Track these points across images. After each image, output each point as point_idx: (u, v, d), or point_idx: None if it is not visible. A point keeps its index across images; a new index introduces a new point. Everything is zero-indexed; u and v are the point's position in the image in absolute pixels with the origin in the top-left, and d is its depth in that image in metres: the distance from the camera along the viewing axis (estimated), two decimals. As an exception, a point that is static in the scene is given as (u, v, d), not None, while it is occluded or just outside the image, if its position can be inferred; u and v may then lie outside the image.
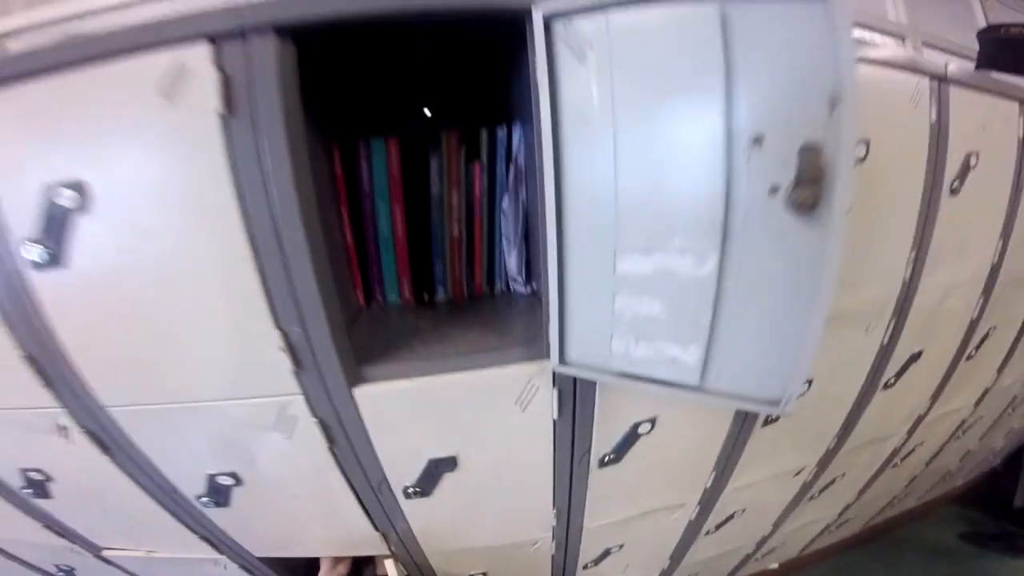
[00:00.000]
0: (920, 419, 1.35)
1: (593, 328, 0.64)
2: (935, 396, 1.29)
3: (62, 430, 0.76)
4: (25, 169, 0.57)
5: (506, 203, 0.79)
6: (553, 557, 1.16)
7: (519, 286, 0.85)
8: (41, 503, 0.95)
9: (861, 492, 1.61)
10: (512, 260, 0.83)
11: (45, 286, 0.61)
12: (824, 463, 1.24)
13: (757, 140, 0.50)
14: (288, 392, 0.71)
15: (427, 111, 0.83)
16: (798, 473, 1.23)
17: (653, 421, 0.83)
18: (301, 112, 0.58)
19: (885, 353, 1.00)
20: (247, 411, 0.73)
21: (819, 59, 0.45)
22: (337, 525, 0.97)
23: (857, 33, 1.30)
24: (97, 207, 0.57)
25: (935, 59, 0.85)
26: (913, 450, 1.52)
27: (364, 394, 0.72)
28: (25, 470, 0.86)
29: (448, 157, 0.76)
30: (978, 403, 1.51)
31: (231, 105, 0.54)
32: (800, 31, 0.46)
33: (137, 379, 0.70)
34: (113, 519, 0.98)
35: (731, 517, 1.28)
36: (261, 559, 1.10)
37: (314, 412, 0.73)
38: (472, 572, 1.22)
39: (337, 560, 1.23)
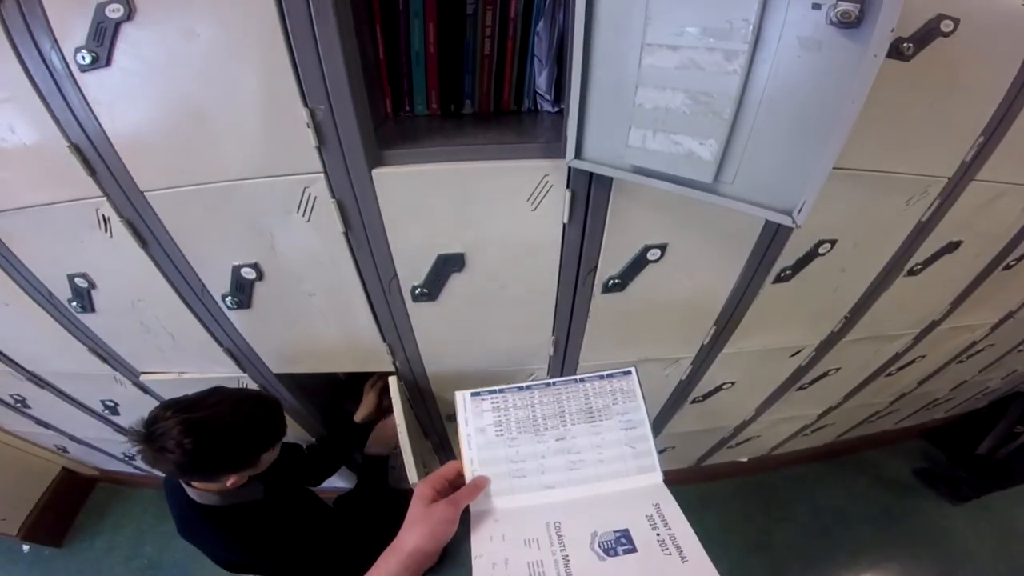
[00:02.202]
0: (932, 326, 1.32)
1: (612, 122, 0.62)
2: (956, 302, 1.25)
3: (104, 221, 0.82)
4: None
5: (541, 25, 0.75)
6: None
7: (547, 105, 0.83)
8: (87, 319, 1.04)
9: (848, 396, 1.65)
10: (542, 79, 0.80)
11: (91, 83, 0.64)
12: (824, 348, 1.26)
13: None
14: (311, 171, 0.73)
15: None
16: (795, 353, 1.26)
17: (663, 248, 0.84)
18: None
19: (920, 231, 0.94)
20: (272, 190, 0.76)
21: None
22: (348, 334, 1.04)
23: None
24: (139, 14, 0.58)
25: None
26: (912, 362, 1.53)
27: (382, 176, 0.73)
28: (72, 276, 0.93)
29: None
30: (995, 327, 1.48)
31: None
32: None
33: (173, 161, 0.73)
34: (150, 336, 1.08)
35: (719, 388, 1.34)
36: (278, 376, 1.21)
37: (333, 192, 0.76)
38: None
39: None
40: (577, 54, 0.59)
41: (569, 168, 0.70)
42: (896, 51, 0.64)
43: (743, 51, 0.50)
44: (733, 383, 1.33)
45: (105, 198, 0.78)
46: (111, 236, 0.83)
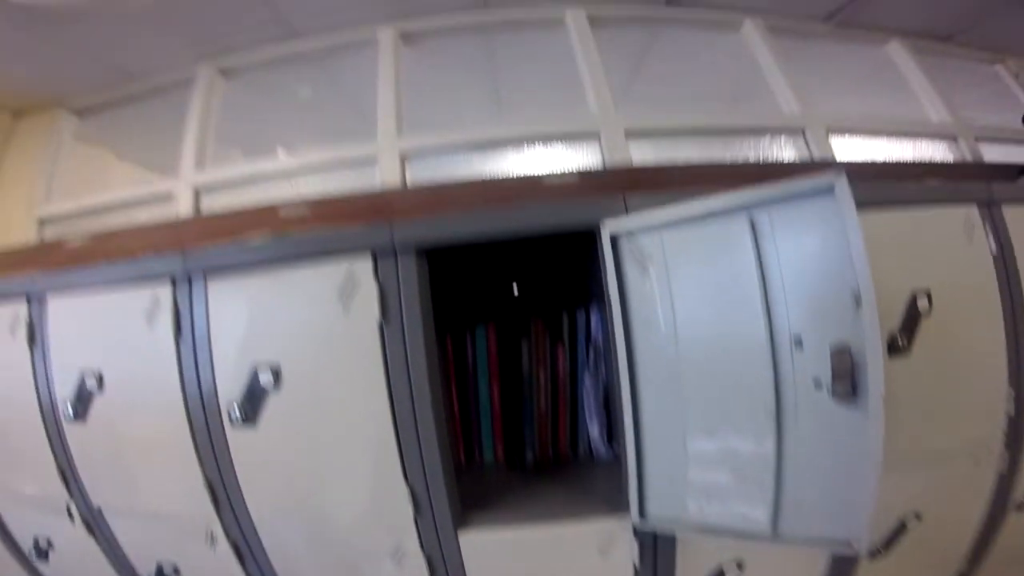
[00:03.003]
0: None
1: (669, 491, 0.73)
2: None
3: (211, 538, 0.93)
4: (241, 351, 0.79)
5: (587, 380, 0.92)
6: None
7: (601, 450, 0.95)
8: None
9: None
10: (594, 428, 0.94)
11: (237, 437, 0.82)
12: None
13: (798, 341, 0.61)
14: (406, 532, 0.84)
15: (518, 296, 1.01)
16: None
17: (740, 564, 0.86)
18: (432, 316, 0.77)
19: (1005, 480, 0.96)
20: (372, 541, 0.87)
21: (839, 256, 0.56)
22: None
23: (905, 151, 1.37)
24: (285, 386, 0.79)
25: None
26: None
27: (466, 537, 0.83)
28: (161, 564, 1.00)
29: (535, 341, 0.94)
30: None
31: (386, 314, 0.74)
32: (816, 228, 0.58)
33: (292, 508, 0.87)
34: None
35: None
36: None
37: (424, 549, 0.85)
38: None
39: None
40: (630, 445, 0.73)
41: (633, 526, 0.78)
42: (894, 349, 0.75)
43: (771, 432, 0.62)
44: None
45: (220, 523, 0.89)
46: (215, 550, 0.92)
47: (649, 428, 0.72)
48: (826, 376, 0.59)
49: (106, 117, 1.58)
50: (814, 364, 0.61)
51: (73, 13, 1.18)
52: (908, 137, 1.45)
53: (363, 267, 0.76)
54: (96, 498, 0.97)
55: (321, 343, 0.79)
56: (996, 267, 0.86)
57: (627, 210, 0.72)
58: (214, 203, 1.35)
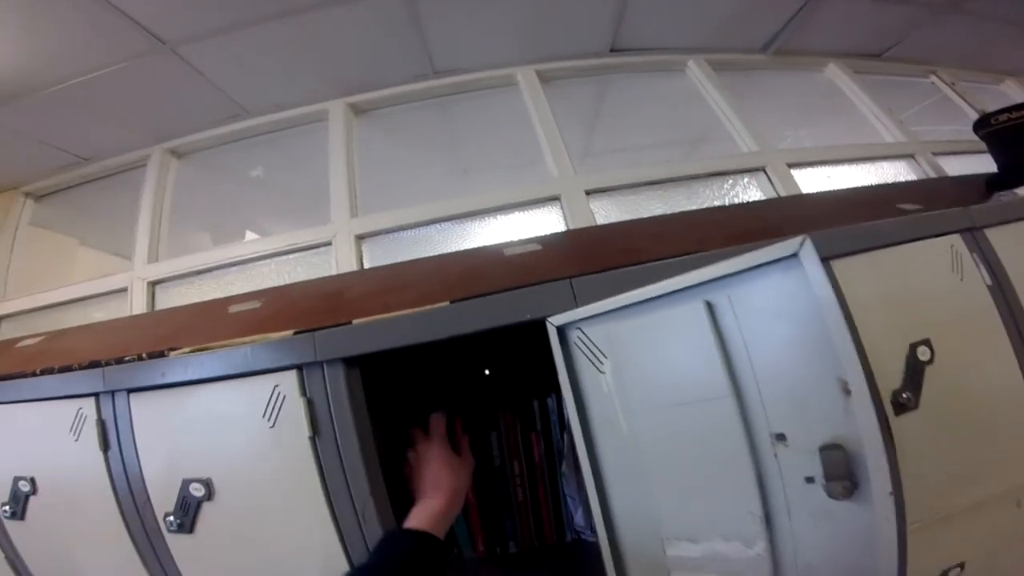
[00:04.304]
0: None
1: None
2: None
3: None
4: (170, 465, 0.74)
5: (565, 466, 0.86)
6: None
7: (589, 534, 0.88)
8: None
9: None
10: (579, 515, 0.87)
11: (176, 542, 0.75)
12: None
13: (779, 436, 0.55)
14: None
15: (483, 388, 0.96)
16: None
17: None
18: (369, 424, 0.71)
19: None
20: None
21: (817, 336, 0.48)
22: None
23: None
24: (219, 497, 0.72)
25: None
26: None
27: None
28: None
29: (505, 432, 0.87)
30: None
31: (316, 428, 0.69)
32: (785, 303, 0.50)
33: None
34: None
35: None
36: None
37: None
38: None
39: None
40: (606, 551, 0.65)
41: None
42: (901, 408, 0.69)
43: (761, 535, 0.54)
44: None
45: None
46: None
47: (625, 531, 0.64)
48: (819, 475, 0.53)
49: (63, 200, 1.55)
50: (802, 462, 0.54)
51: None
52: (867, 161, 1.46)
53: (288, 382, 0.70)
54: None
55: (253, 459, 0.72)
56: (994, 298, 0.81)
57: (575, 298, 0.67)
58: (169, 295, 1.31)
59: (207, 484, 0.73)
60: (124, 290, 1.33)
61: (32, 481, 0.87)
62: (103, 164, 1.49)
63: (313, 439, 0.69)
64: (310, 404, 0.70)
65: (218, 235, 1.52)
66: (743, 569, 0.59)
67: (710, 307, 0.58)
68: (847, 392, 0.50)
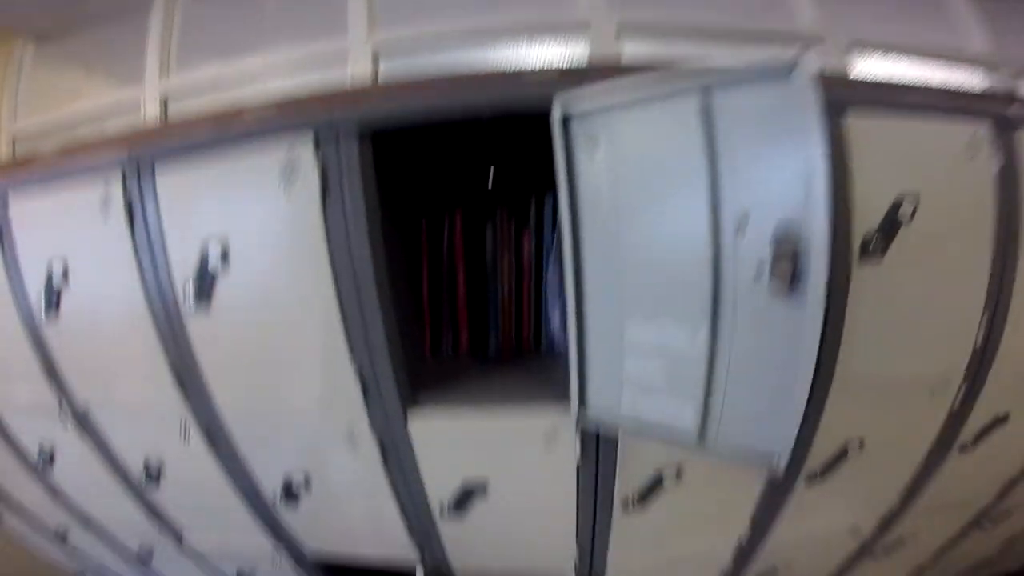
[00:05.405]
0: (1012, 482, 1.22)
1: (608, 383, 0.73)
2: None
3: (184, 428, 0.98)
4: (189, 230, 0.80)
5: (551, 267, 0.90)
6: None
7: (561, 340, 0.95)
8: (150, 491, 1.16)
9: (938, 555, 1.46)
10: (555, 318, 0.93)
11: (195, 324, 0.85)
12: (886, 523, 1.17)
13: (741, 226, 0.57)
14: (357, 413, 0.86)
15: (487, 184, 0.98)
16: (854, 532, 1.17)
17: (678, 468, 0.88)
18: (377, 198, 0.74)
19: (956, 417, 0.94)
20: (326, 424, 0.90)
21: (795, 138, 0.51)
22: (381, 535, 1.10)
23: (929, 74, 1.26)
24: (233, 266, 0.79)
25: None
26: (1009, 512, 1.36)
27: (416, 420, 0.85)
28: (147, 458, 1.08)
29: (500, 227, 0.91)
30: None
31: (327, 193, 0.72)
32: (772, 109, 0.52)
33: (249, 389, 0.90)
34: (203, 513, 1.19)
35: (773, 570, 1.24)
36: (313, 561, 1.25)
37: (374, 431, 0.88)
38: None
39: None
40: (572, 333, 0.71)
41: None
42: (865, 252, 0.71)
43: (704, 324, 0.61)
44: (789, 564, 1.24)
45: (190, 411, 0.93)
46: (189, 440, 0.97)
47: (593, 315, 0.70)
48: (768, 262, 0.55)
49: (68, 39, 1.47)
50: (757, 251, 0.57)
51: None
52: (941, 60, 1.30)
53: (305, 150, 0.73)
54: (80, 395, 1.01)
55: (266, 225, 0.78)
56: (995, 187, 0.78)
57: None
58: (181, 110, 1.30)
59: (224, 248, 0.78)
60: (136, 106, 1.32)
61: (65, 270, 0.90)
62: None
63: (324, 209, 0.72)
64: (323, 174, 0.72)
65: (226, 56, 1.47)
66: (683, 360, 0.64)
67: (706, 107, 0.57)
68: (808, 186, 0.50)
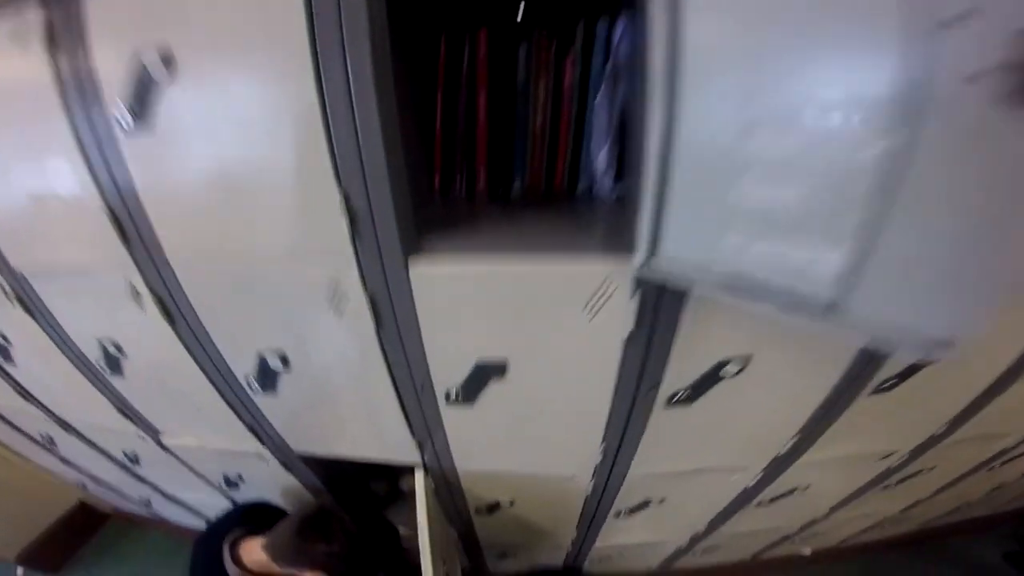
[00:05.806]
0: None
1: (700, 219, 0.51)
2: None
3: (136, 295, 0.78)
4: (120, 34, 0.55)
5: (600, 98, 0.67)
6: (587, 498, 1.10)
7: (605, 187, 0.74)
8: (115, 381, 1.01)
9: (939, 491, 1.43)
10: (602, 156, 0.71)
11: (130, 147, 0.62)
12: (919, 451, 1.07)
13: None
14: (343, 261, 0.66)
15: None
16: (885, 456, 1.07)
17: (746, 361, 0.71)
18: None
19: None
20: (303, 278, 0.69)
21: None
22: (375, 427, 0.96)
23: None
24: (181, 76, 0.55)
25: None
26: (1022, 455, 1.30)
27: (419, 270, 0.65)
28: (102, 341, 0.90)
29: (537, 51, 0.66)
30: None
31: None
32: None
33: (204, 235, 0.68)
34: (173, 404, 1.04)
35: (791, 492, 1.15)
36: (301, 457, 1.13)
37: (366, 286, 0.67)
38: (499, 498, 1.19)
39: None
40: (655, 135, 0.48)
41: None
42: None
43: (891, 126, 0.37)
44: (808, 486, 1.15)
45: (137, 271, 0.74)
46: (143, 310, 0.80)
47: (689, 122, 0.46)
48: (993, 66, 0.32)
49: None
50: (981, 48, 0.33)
51: None
52: None
53: None
54: (14, 260, 0.81)
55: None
56: None
57: None
58: None
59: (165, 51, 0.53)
60: None
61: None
62: None
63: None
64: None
65: None
66: (840, 177, 0.42)
67: None
68: None
